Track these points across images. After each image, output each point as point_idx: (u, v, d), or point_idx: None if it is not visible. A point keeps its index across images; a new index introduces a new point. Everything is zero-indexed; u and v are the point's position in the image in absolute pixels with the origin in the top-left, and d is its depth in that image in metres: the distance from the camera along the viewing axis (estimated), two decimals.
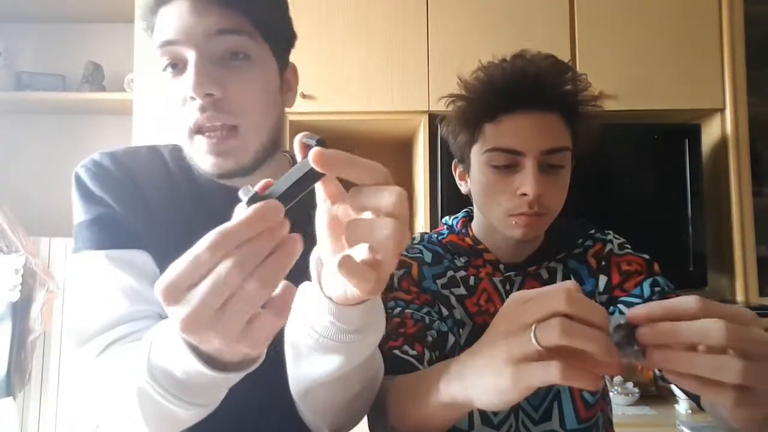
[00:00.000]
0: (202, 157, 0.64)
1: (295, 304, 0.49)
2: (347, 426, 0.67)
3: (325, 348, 0.50)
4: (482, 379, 0.46)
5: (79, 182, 0.70)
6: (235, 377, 0.45)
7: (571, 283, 0.43)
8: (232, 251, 0.36)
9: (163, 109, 0.67)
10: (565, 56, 1.78)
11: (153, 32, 0.65)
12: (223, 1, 0.63)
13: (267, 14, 0.68)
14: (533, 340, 0.41)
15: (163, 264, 0.65)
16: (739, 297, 1.74)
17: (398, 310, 0.80)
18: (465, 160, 0.85)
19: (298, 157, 0.42)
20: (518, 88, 0.75)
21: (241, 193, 0.38)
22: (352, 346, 0.50)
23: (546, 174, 0.76)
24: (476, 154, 0.81)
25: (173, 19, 0.62)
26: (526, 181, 0.75)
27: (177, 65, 0.63)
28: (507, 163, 0.77)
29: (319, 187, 0.44)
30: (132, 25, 1.82)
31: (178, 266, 0.37)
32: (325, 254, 0.46)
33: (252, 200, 0.37)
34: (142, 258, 0.67)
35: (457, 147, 0.85)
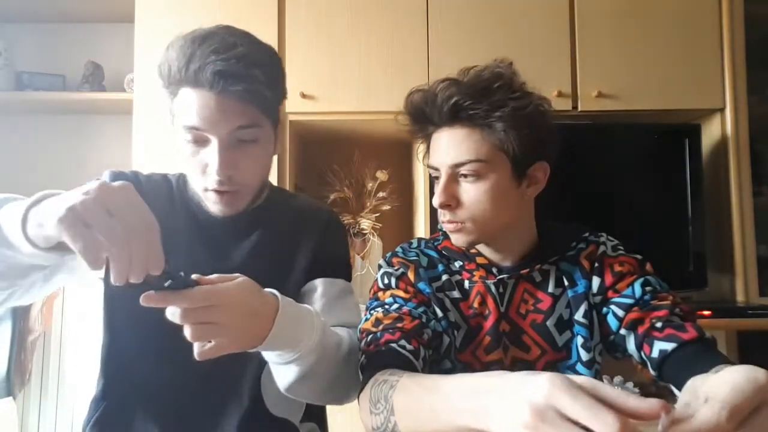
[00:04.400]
0: (210, 204, 0.84)
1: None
2: (342, 399, 0.84)
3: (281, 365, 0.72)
4: (503, 423, 0.45)
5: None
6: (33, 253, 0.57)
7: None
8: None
9: (183, 163, 0.83)
10: (565, 56, 1.79)
11: (175, 98, 0.80)
12: (243, 98, 0.77)
13: (275, 102, 0.84)
14: None
15: None
16: (739, 297, 1.74)
17: (396, 306, 0.83)
18: None
19: None
20: (429, 111, 0.83)
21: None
22: (294, 363, 0.71)
23: (458, 183, 0.82)
24: None
25: (200, 109, 0.76)
26: (438, 193, 0.83)
27: (198, 141, 0.79)
28: (436, 176, 0.85)
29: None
30: (132, 25, 1.82)
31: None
32: None
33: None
34: None
35: None
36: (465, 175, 0.81)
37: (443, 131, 0.83)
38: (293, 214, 0.94)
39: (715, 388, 0.44)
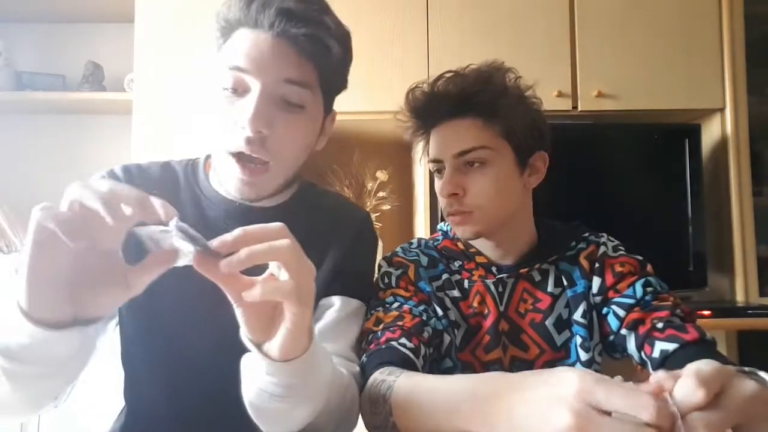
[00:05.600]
0: (231, 179, 0.72)
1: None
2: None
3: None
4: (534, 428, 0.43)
5: None
6: (49, 335, 0.48)
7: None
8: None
9: (216, 126, 0.71)
10: (565, 56, 1.79)
11: (224, 44, 0.70)
12: (302, 50, 0.67)
13: (335, 72, 0.74)
14: None
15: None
16: (739, 297, 1.74)
17: (397, 304, 0.84)
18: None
19: None
20: (433, 104, 0.85)
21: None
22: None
23: (464, 173, 0.83)
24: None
25: (250, 48, 0.66)
26: (444, 182, 0.83)
27: (237, 90, 0.68)
28: (438, 169, 0.87)
29: None
30: (132, 25, 1.82)
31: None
32: None
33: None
34: None
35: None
36: (471, 164, 0.83)
37: (446, 123, 0.85)
38: (323, 217, 0.83)
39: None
